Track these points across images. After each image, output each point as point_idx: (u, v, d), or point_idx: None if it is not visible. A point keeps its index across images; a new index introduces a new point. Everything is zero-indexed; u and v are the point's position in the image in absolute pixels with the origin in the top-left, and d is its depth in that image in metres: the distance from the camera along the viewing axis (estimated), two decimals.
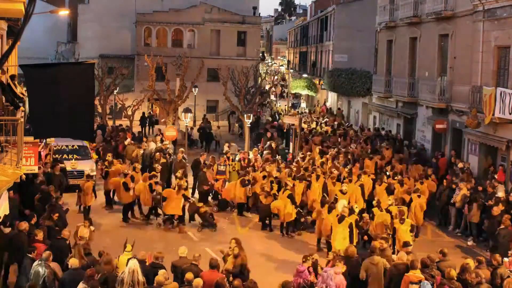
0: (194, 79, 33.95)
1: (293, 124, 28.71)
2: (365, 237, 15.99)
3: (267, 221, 18.56)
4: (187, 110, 27.60)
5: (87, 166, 22.50)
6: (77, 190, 19.12)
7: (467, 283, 11.15)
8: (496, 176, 19.09)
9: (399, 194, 18.07)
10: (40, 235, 12.51)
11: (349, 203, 17.13)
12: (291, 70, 60.46)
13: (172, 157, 24.23)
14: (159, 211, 18.89)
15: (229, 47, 46.72)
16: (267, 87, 45.27)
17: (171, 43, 46.16)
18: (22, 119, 11.87)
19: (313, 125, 36.64)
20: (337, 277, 11.64)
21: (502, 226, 14.87)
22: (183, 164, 22.12)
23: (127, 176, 19.07)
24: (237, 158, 24.00)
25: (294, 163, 22.83)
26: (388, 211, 15.88)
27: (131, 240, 12.37)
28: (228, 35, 46.69)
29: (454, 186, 18.81)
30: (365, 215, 16.47)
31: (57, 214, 14.33)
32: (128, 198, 18.86)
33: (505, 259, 12.53)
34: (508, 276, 11.41)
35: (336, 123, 37.09)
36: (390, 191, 18.18)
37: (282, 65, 75.56)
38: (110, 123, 36.71)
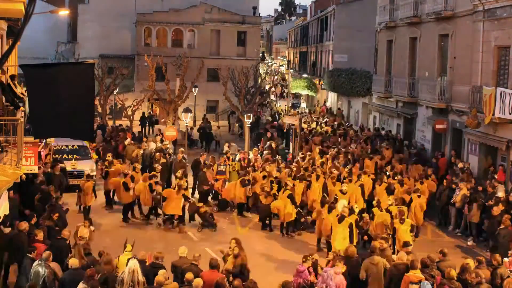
0: (194, 79, 33.96)
1: (293, 124, 28.71)
2: (365, 237, 15.99)
3: (267, 221, 18.55)
4: (187, 110, 27.60)
5: (87, 166, 22.50)
6: (77, 190, 19.12)
7: (467, 283, 11.15)
8: (496, 176, 19.09)
9: (399, 194, 18.06)
10: (40, 235, 12.52)
11: (349, 203, 17.12)
12: (291, 70, 60.49)
13: (172, 157, 24.22)
14: (159, 211, 18.89)
15: (229, 47, 46.72)
16: (267, 87, 45.33)
17: (171, 43, 46.16)
18: (22, 119, 11.87)
19: (313, 125, 36.65)
20: (337, 277, 11.64)
21: (502, 226, 14.87)
22: (183, 164, 22.12)
23: (127, 176, 19.08)
24: (237, 158, 24.00)
25: (294, 163, 22.83)
26: (388, 211, 15.87)
27: (131, 240, 12.37)
28: (228, 35, 46.69)
29: (454, 186, 18.82)
30: (365, 215, 16.47)
31: (57, 214, 14.34)
32: (128, 198, 18.88)
33: (505, 259, 12.53)
34: (508, 276, 11.41)
35: (336, 123, 37.10)
36: (390, 191, 18.17)
37: (282, 65, 75.56)
38: (110, 123, 36.72)
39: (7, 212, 13.89)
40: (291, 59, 67.98)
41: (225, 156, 23.91)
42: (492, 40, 20.87)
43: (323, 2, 55.32)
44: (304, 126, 33.59)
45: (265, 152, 25.97)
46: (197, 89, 38.58)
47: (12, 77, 14.52)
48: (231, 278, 11.61)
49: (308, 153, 25.37)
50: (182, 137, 29.95)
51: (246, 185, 19.42)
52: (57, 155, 22.15)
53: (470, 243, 17.50)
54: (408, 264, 11.58)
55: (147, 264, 11.65)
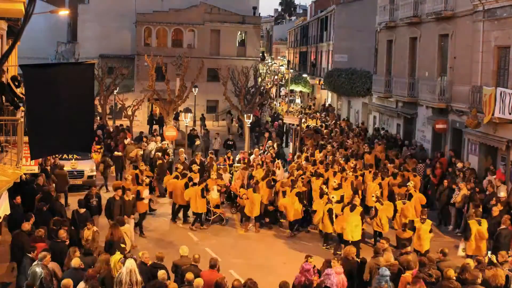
0: (194, 79, 33.96)
1: (293, 124, 28.76)
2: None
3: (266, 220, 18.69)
4: (187, 110, 27.59)
5: (87, 166, 22.48)
6: None
7: (467, 283, 11.13)
8: (494, 177, 19.06)
9: (396, 189, 18.62)
10: (41, 234, 12.55)
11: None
12: (291, 70, 60.53)
13: (171, 157, 24.24)
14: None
15: (229, 47, 46.72)
16: (268, 85, 45.58)
17: (171, 43, 46.15)
18: (22, 119, 11.86)
19: (312, 122, 36.98)
20: (338, 277, 11.66)
21: (502, 227, 14.87)
22: (185, 165, 22.05)
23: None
24: (237, 158, 24.03)
25: (302, 160, 22.87)
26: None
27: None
28: (228, 35, 46.68)
29: (454, 186, 18.84)
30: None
31: (57, 218, 14.34)
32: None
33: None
34: (507, 276, 11.42)
35: (329, 119, 37.56)
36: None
37: (282, 65, 75.54)
38: (110, 123, 36.73)
39: (8, 212, 13.88)
40: (291, 59, 68.00)
41: (225, 156, 23.96)
42: (492, 40, 20.87)
43: (323, 2, 55.32)
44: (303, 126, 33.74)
45: (268, 152, 25.92)
46: (197, 89, 38.57)
47: (14, 78, 14.51)
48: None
49: (305, 148, 25.66)
50: (182, 137, 29.94)
51: (272, 186, 18.97)
52: (56, 155, 22.01)
53: None
54: (397, 264, 11.64)
55: (148, 265, 11.66)
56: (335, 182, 18.77)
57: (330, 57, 46.54)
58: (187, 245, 12.92)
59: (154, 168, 22.64)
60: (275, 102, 53.51)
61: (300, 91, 57.65)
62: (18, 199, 14.66)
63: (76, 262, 11.05)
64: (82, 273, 10.77)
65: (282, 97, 59.67)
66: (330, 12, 46.96)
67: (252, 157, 24.11)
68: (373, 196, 17.55)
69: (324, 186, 17.97)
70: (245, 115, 28.22)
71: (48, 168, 19.74)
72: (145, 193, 17.81)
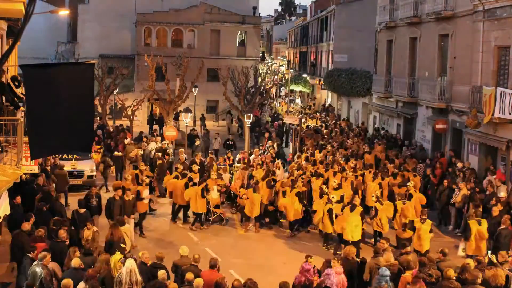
0: (194, 79, 33.96)
1: (293, 124, 28.78)
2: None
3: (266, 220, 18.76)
4: (187, 110, 27.59)
5: (87, 166, 22.47)
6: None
7: (467, 283, 11.13)
8: (494, 176, 19.06)
9: (396, 189, 18.75)
10: (41, 234, 12.55)
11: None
12: (291, 70, 60.57)
13: (171, 157, 24.23)
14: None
15: (229, 47, 46.71)
16: (268, 85, 45.62)
17: (171, 43, 46.15)
18: (22, 119, 11.86)
19: (312, 122, 37.06)
20: (338, 277, 11.67)
21: (502, 227, 14.87)
22: (186, 165, 22.07)
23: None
24: (237, 158, 24.03)
25: (300, 161, 22.87)
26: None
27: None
28: (228, 35, 46.67)
29: (454, 186, 18.84)
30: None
31: (57, 218, 14.36)
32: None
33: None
34: (507, 275, 11.41)
35: (329, 119, 37.63)
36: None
37: (282, 65, 75.56)
38: (110, 123, 36.72)
39: (7, 212, 13.89)
40: (291, 59, 68.02)
41: (225, 156, 23.96)
42: (492, 40, 20.87)
43: (323, 2, 55.32)
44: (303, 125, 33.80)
45: (268, 152, 25.92)
46: (197, 89, 38.57)
47: (14, 78, 14.51)
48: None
49: (305, 148, 25.70)
50: (182, 137, 29.95)
51: (272, 186, 18.98)
52: (56, 155, 21.95)
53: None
54: (397, 264, 11.63)
55: (148, 264, 11.66)
56: (335, 182, 18.82)
57: (330, 57, 46.54)
58: (187, 245, 12.92)
59: (154, 168, 22.65)
60: (275, 102, 53.57)
61: (300, 91, 57.87)
62: (18, 199, 14.65)
63: (76, 262, 11.05)
64: (82, 273, 10.77)
65: (282, 97, 59.78)
66: (330, 12, 46.95)
67: (252, 157, 24.12)
68: (373, 196, 17.58)
69: (324, 186, 17.99)
70: (245, 115, 28.22)
71: (48, 168, 19.75)
72: (145, 193, 17.81)
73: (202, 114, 41.34)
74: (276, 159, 23.55)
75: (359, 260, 12.76)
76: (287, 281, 10.85)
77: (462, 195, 18.05)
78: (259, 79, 36.80)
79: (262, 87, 37.15)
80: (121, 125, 32.74)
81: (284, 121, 33.93)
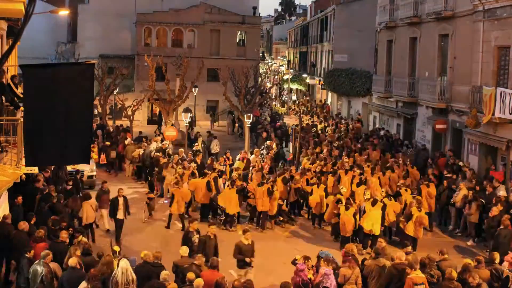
0: (194, 79, 33.94)
1: (293, 124, 28.81)
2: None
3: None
4: (187, 110, 27.58)
5: (87, 166, 22.43)
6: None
7: (467, 284, 11.13)
8: (494, 176, 19.06)
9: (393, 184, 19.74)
10: (41, 234, 12.55)
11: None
12: (291, 70, 60.65)
13: (171, 157, 24.22)
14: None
15: (229, 47, 46.68)
16: (268, 85, 45.68)
17: (171, 43, 46.12)
18: (22, 119, 11.86)
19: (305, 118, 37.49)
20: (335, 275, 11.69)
21: (502, 226, 14.87)
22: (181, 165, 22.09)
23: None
24: (237, 158, 24.03)
25: (305, 160, 23.32)
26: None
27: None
28: (228, 35, 46.65)
29: (454, 186, 18.85)
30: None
31: (54, 217, 14.35)
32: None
33: (505, 263, 12.48)
34: (507, 276, 11.41)
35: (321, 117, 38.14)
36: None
37: (282, 65, 75.56)
38: (110, 123, 36.71)
39: (7, 212, 13.90)
40: (291, 59, 68.03)
41: (224, 156, 23.95)
42: (492, 40, 20.87)
43: (323, 2, 55.35)
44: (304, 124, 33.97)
45: (264, 152, 25.96)
46: (197, 89, 38.57)
47: (13, 77, 14.51)
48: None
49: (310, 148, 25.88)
50: (182, 137, 29.95)
51: (287, 181, 19.75)
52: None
53: (469, 243, 17.50)
54: (406, 263, 11.61)
55: (147, 264, 11.65)
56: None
57: (330, 57, 46.54)
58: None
59: (154, 167, 22.65)
60: (275, 102, 53.65)
61: (296, 89, 58.92)
62: (20, 199, 14.64)
63: (73, 261, 11.04)
64: (80, 272, 10.78)
65: (281, 96, 60.03)
66: (330, 12, 46.95)
67: (252, 157, 24.13)
68: (382, 191, 17.98)
69: (343, 191, 18.18)
70: (245, 115, 28.24)
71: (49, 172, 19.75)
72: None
73: (212, 112, 41.60)
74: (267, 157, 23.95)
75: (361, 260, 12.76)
76: (288, 281, 10.84)
77: (462, 195, 18.05)
78: (259, 79, 36.80)
79: (262, 87, 37.16)
80: (121, 125, 32.75)
81: (284, 121, 33.99)
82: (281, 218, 19.11)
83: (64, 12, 29.94)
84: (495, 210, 15.87)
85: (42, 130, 9.58)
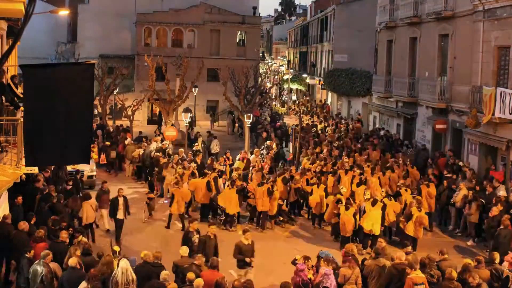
0: (194, 79, 33.95)
1: (293, 124, 28.82)
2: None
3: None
4: (187, 110, 27.59)
5: (87, 167, 22.41)
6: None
7: (467, 284, 11.13)
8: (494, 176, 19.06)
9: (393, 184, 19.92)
10: (41, 234, 12.55)
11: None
12: (291, 70, 60.68)
13: (171, 157, 24.22)
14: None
15: (229, 47, 46.68)
16: (268, 85, 45.69)
17: (171, 43, 46.12)
18: (22, 119, 11.86)
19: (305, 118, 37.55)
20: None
21: (502, 226, 14.87)
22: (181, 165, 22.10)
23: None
24: (237, 158, 24.03)
25: (305, 160, 23.42)
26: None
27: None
28: (228, 35, 46.65)
29: (454, 186, 18.85)
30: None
31: (54, 217, 14.35)
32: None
33: (505, 263, 12.48)
34: (508, 276, 11.41)
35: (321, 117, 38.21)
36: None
37: (282, 65, 75.57)
38: (110, 123, 36.71)
39: (7, 212, 13.90)
40: (291, 59, 68.03)
41: (224, 156, 23.95)
42: (492, 40, 20.87)
43: (323, 2, 55.36)
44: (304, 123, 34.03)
45: (264, 152, 25.96)
46: (197, 89, 38.57)
47: (13, 77, 14.51)
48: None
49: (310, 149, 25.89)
50: (182, 137, 29.96)
51: (288, 182, 19.81)
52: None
53: (469, 243, 17.50)
54: (406, 263, 11.61)
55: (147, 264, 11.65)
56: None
57: (330, 57, 46.55)
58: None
59: (154, 167, 22.65)
60: (274, 102, 53.67)
61: (296, 89, 59.10)
62: (20, 199, 14.64)
63: (73, 261, 11.05)
64: (80, 272, 10.78)
65: (281, 96, 60.10)
66: (330, 12, 46.95)
67: (252, 157, 24.14)
68: (382, 191, 18.04)
69: (343, 191, 18.22)
70: (245, 115, 28.25)
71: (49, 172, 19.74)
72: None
73: (212, 112, 41.83)
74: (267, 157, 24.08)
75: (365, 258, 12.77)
76: (288, 281, 10.84)
77: (462, 195, 18.06)
78: (259, 79, 36.81)
79: (262, 87, 37.17)
80: (121, 125, 32.76)
81: (284, 121, 34.00)
82: (281, 218, 19.14)
83: (64, 12, 29.93)
84: (495, 210, 15.87)
85: (42, 130, 9.57)
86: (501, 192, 17.33)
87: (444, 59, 25.45)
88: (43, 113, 9.56)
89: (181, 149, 24.94)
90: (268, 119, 39.68)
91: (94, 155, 24.64)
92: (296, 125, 29.12)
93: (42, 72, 9.83)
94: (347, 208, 16.62)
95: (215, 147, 28.37)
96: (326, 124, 36.35)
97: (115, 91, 37.83)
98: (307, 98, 56.35)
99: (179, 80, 33.08)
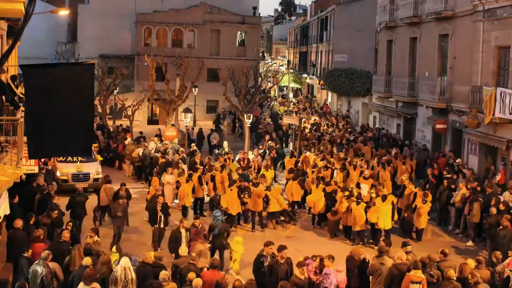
0: (194, 79, 33.95)
1: (293, 124, 28.81)
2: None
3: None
4: (187, 110, 27.59)
5: (93, 169, 22.34)
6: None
7: (467, 283, 11.13)
8: (497, 178, 19.03)
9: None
10: (39, 234, 12.55)
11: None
12: (291, 70, 60.70)
13: (171, 157, 24.23)
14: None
15: (229, 47, 46.69)
16: (269, 85, 45.72)
17: (171, 43, 46.14)
18: (22, 119, 11.85)
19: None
20: (338, 274, 11.68)
21: (501, 227, 14.86)
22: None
23: None
24: (236, 158, 24.02)
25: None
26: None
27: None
28: (228, 35, 46.66)
29: (453, 186, 18.85)
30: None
31: (56, 212, 14.39)
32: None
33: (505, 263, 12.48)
34: (508, 276, 11.41)
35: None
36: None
37: (282, 65, 75.59)
38: (110, 123, 36.70)
39: (7, 212, 13.90)
40: (291, 59, 68.03)
41: (225, 156, 23.94)
42: (492, 40, 20.87)
43: (323, 2, 55.35)
44: (306, 125, 33.98)
45: (266, 155, 25.92)
46: (197, 89, 38.56)
47: (14, 77, 14.51)
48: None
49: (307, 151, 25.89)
50: (182, 137, 29.96)
51: (303, 182, 20.29)
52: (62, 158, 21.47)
53: (469, 243, 17.49)
54: (408, 264, 11.60)
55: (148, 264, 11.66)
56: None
57: (330, 57, 46.55)
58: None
59: (154, 167, 22.64)
60: (274, 102, 53.65)
61: (297, 89, 59.33)
62: (16, 199, 14.63)
63: (88, 261, 11.09)
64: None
65: (281, 96, 60.11)
66: (330, 12, 46.95)
67: (251, 157, 24.13)
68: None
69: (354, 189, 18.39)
70: (245, 115, 28.24)
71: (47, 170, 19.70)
72: None
73: (218, 114, 41.95)
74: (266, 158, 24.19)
75: (362, 258, 12.77)
76: (287, 281, 10.83)
77: (461, 195, 18.05)
78: (259, 79, 36.81)
79: (263, 87, 37.18)
80: (121, 125, 32.75)
81: (284, 121, 33.97)
82: (282, 218, 19.11)
83: (64, 12, 29.94)
84: (495, 210, 15.85)
85: (42, 130, 9.58)
86: (506, 197, 17.25)
87: (444, 59, 25.45)
88: (43, 113, 9.56)
89: (182, 149, 24.94)
90: (269, 119, 39.66)
91: (99, 157, 24.51)
92: (297, 125, 29.09)
93: (42, 72, 9.82)
94: (358, 203, 16.90)
95: (213, 139, 29.28)
96: (328, 123, 36.50)
97: (115, 91, 37.83)
98: (304, 96, 56.64)
99: (179, 80, 33.06)
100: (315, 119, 38.26)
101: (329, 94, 49.00)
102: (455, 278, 10.99)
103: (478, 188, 18.22)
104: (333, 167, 21.68)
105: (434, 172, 21.15)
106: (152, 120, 44.63)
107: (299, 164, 23.38)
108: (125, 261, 10.77)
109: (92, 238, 13.14)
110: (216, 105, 46.35)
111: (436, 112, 25.48)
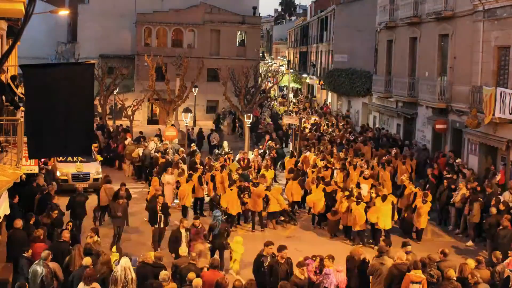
0: (194, 79, 33.95)
1: (293, 124, 28.81)
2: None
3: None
4: (187, 110, 27.59)
5: (93, 169, 22.33)
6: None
7: (467, 283, 11.14)
8: (497, 178, 19.03)
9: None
10: (39, 234, 12.55)
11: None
12: (291, 70, 60.75)
13: (171, 156, 24.23)
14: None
15: (229, 47, 46.69)
16: (269, 85, 45.70)
17: (171, 43, 46.14)
18: (22, 119, 11.85)
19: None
20: (338, 274, 11.68)
21: (501, 227, 14.86)
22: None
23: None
24: (236, 158, 24.03)
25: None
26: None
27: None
28: (228, 35, 46.66)
29: (453, 186, 18.86)
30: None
31: (56, 212, 14.39)
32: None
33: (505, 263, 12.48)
34: (508, 276, 11.41)
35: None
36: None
37: (282, 65, 75.59)
38: (110, 123, 36.71)
39: (7, 212, 13.90)
40: (291, 59, 68.04)
41: (225, 157, 23.94)
42: (492, 40, 20.87)
43: (323, 2, 55.36)
44: (307, 125, 33.98)
45: (266, 155, 25.93)
46: (197, 89, 38.57)
47: (14, 77, 14.50)
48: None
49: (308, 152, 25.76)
50: (182, 137, 29.96)
51: (303, 182, 20.32)
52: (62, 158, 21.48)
53: (469, 243, 17.49)
54: (408, 264, 11.61)
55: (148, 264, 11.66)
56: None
57: (330, 57, 46.55)
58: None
59: (154, 167, 22.65)
60: (274, 102, 53.66)
61: (292, 87, 59.67)
62: (16, 199, 14.63)
63: (88, 261, 11.09)
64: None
65: (281, 96, 60.19)
66: (330, 12, 46.95)
67: (251, 157, 24.14)
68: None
69: (355, 189, 18.41)
70: (245, 115, 28.24)
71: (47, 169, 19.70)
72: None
73: (219, 114, 41.89)
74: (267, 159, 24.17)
75: (362, 259, 12.78)
76: (287, 281, 10.83)
77: (461, 195, 18.05)
78: (259, 79, 36.81)
79: (263, 87, 37.17)
80: (121, 125, 32.75)
81: (284, 121, 33.98)
82: (283, 218, 19.12)
83: (64, 12, 29.93)
84: (495, 210, 15.85)
85: (42, 130, 9.59)
86: (506, 198, 17.25)
87: (444, 59, 25.46)
88: (43, 113, 9.56)
89: (182, 149, 24.94)
90: (268, 119, 39.66)
91: (99, 157, 24.51)
92: (297, 125, 29.10)
93: (42, 72, 9.82)
94: (358, 203, 16.93)
95: (213, 139, 29.41)
96: (328, 123, 36.57)
97: (115, 91, 37.83)
98: (304, 96, 56.76)
99: (179, 80, 33.06)
100: (315, 119, 38.25)
101: (329, 94, 49.00)
102: (455, 278, 10.99)
103: (478, 188, 18.22)
104: (333, 167, 21.70)
105: (434, 172, 21.14)
106: (152, 120, 44.62)
107: (299, 164, 23.37)
108: (125, 261, 10.77)
109: (92, 238, 13.15)
110: (216, 105, 46.35)
111: (436, 112, 25.48)
